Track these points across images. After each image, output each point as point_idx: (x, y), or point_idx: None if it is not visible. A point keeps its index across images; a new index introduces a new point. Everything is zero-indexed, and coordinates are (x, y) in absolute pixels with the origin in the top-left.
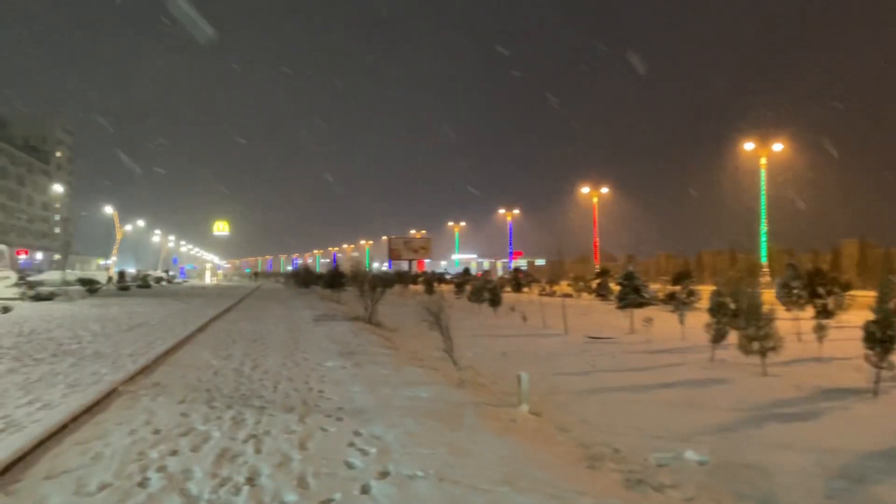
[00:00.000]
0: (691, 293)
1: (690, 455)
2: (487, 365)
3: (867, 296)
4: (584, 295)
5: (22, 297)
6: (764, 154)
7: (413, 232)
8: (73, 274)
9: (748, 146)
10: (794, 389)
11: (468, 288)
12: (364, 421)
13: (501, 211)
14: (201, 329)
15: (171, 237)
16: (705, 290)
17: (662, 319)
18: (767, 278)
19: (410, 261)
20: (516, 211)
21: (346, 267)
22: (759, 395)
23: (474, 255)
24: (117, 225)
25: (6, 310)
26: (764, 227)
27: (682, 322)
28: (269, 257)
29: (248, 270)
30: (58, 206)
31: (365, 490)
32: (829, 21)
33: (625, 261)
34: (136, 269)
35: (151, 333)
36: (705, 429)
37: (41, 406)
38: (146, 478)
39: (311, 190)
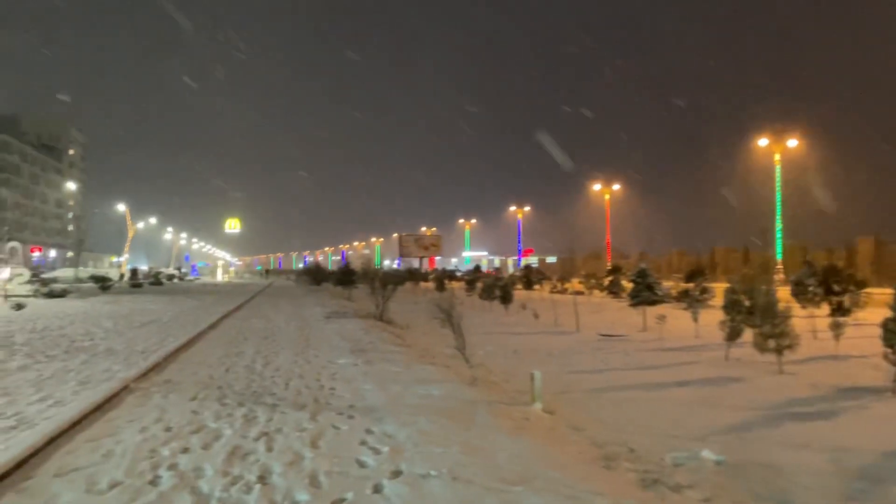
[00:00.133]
0: (704, 290)
1: (707, 455)
2: (499, 363)
3: (883, 293)
4: (596, 292)
5: (35, 294)
6: (778, 150)
7: (424, 229)
8: (85, 271)
9: (762, 142)
10: (810, 388)
11: (479, 285)
12: (376, 419)
13: (512, 208)
14: (213, 326)
15: (183, 234)
16: (718, 288)
17: (675, 317)
18: (782, 276)
19: (421, 258)
20: (527, 208)
21: (356, 264)
22: (775, 393)
23: (485, 253)
24: (129, 222)
25: (19, 306)
26: (779, 224)
27: (695, 320)
28: (280, 254)
29: (259, 268)
30: (71, 203)
31: (377, 489)
32: (843, 18)
33: (637, 258)
34: (149, 266)
35: (163, 330)
36: (721, 428)
37: (53, 403)
38: (157, 476)
39: (323, 187)
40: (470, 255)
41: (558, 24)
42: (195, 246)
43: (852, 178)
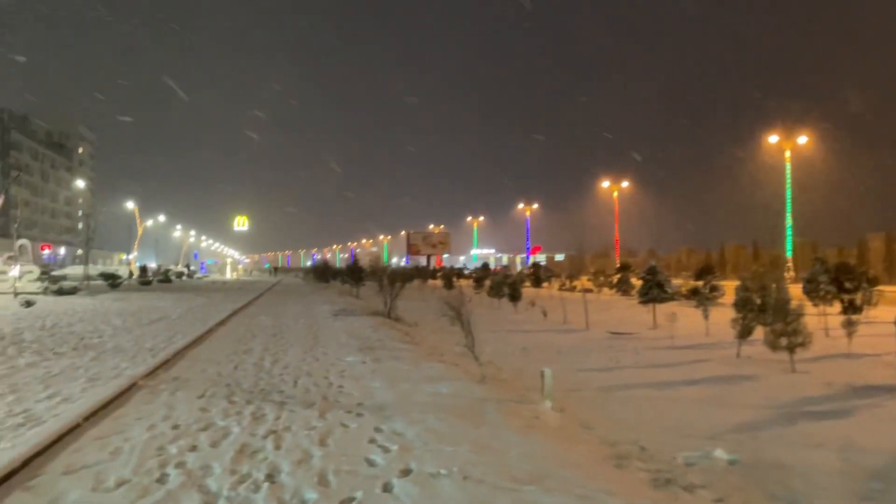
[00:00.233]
0: (714, 288)
1: (720, 454)
2: (508, 360)
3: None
4: (605, 290)
5: (45, 292)
6: (788, 147)
7: (432, 227)
8: (95, 268)
9: (772, 139)
10: (824, 386)
11: (487, 283)
12: (385, 417)
13: (520, 206)
14: (221, 323)
15: (192, 232)
16: (728, 286)
17: (685, 315)
18: (792, 273)
19: (429, 256)
20: (535, 206)
21: (365, 262)
22: (788, 392)
23: (492, 250)
24: (138, 220)
25: (29, 304)
26: (789, 221)
27: (706, 317)
28: (288, 252)
29: (267, 265)
30: (80, 201)
31: (387, 488)
32: (856, 15)
33: (645, 256)
34: (157, 263)
35: (172, 328)
36: (733, 427)
37: (61, 400)
38: (165, 474)
39: (331, 185)
40: (478, 253)
41: (566, 19)
42: (204, 243)
43: (864, 175)
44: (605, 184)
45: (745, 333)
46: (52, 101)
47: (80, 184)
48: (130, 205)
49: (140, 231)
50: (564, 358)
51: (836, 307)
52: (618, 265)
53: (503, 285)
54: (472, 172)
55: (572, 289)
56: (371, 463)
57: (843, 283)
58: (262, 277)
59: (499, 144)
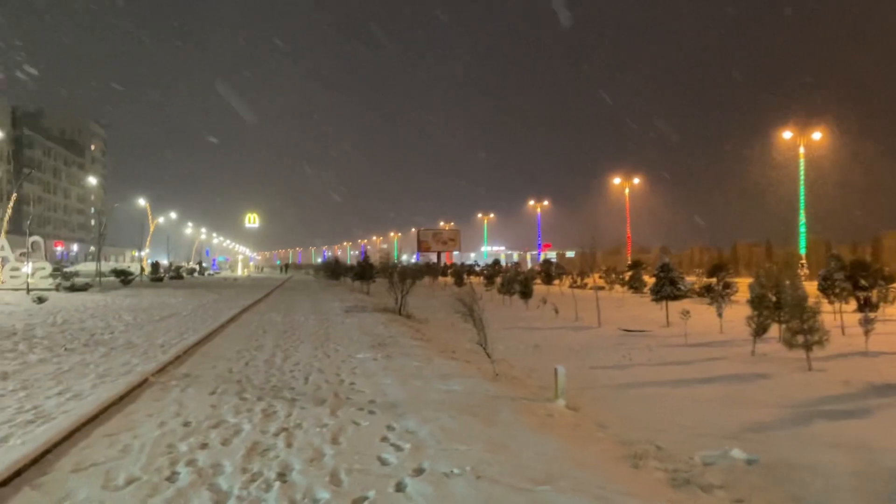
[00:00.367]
0: (728, 285)
1: (738, 454)
2: (520, 358)
3: None
4: (617, 287)
5: (57, 288)
6: (802, 143)
7: (442, 224)
8: (107, 265)
9: (786, 135)
10: (842, 385)
11: (498, 280)
12: (397, 415)
13: (531, 202)
14: (233, 319)
15: (203, 229)
16: (741, 283)
17: (698, 312)
18: (806, 271)
19: (439, 253)
20: (546, 202)
21: (375, 259)
22: (805, 390)
23: (503, 248)
24: (150, 217)
25: (41, 300)
26: (802, 218)
27: (720, 315)
28: (299, 249)
29: (278, 262)
30: (92, 198)
31: (400, 488)
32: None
33: (657, 253)
34: (169, 260)
35: (183, 324)
36: (751, 426)
37: (71, 396)
38: (175, 472)
39: (342, 182)
40: (488, 250)
41: (577, 15)
42: (215, 240)
43: (878, 172)
44: (617, 180)
45: (760, 331)
46: (65, 99)
47: (93, 181)
48: (142, 202)
49: (152, 228)
50: (577, 355)
51: (852, 304)
52: (629, 262)
53: (514, 282)
54: (482, 170)
55: (583, 286)
56: (383, 462)
57: (859, 281)
58: (273, 274)
59: (509, 142)
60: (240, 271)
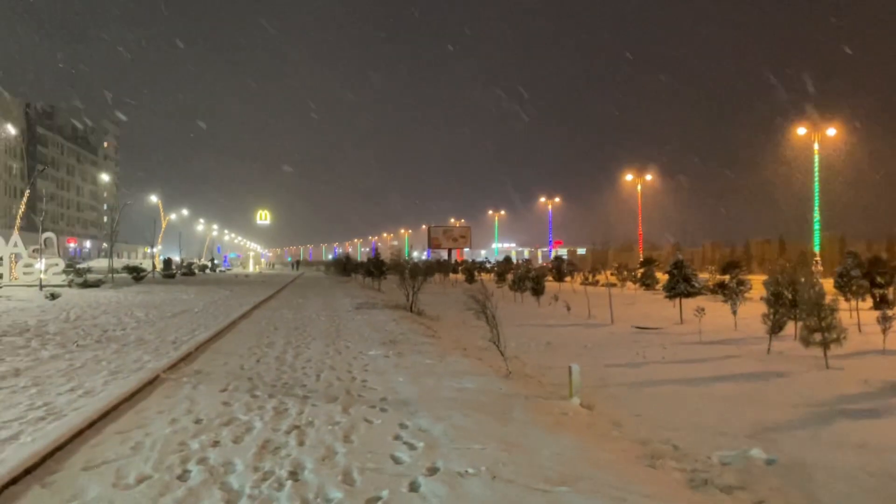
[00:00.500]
0: (741, 283)
1: (757, 454)
2: (532, 355)
3: None
4: (629, 284)
5: (70, 284)
6: (817, 139)
7: (453, 221)
8: (119, 261)
9: (801, 131)
10: (861, 384)
11: (509, 277)
12: (409, 413)
13: (542, 199)
14: (244, 316)
15: (215, 226)
16: (755, 280)
17: (712, 309)
18: (821, 268)
19: (450, 249)
20: (557, 199)
21: (386, 255)
22: (823, 389)
23: (513, 244)
24: (162, 214)
25: (54, 296)
26: (817, 215)
27: (734, 312)
28: (310, 246)
29: (289, 259)
30: (105, 195)
31: (413, 487)
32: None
33: (670, 250)
34: (181, 257)
35: (195, 320)
36: (769, 425)
37: (83, 393)
38: (186, 470)
39: (353, 179)
40: (498, 247)
41: (589, 13)
42: (227, 237)
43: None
44: (629, 177)
45: (776, 328)
46: (79, 96)
47: (105, 178)
48: (154, 198)
49: (164, 224)
50: (590, 353)
51: (868, 302)
52: (641, 259)
53: (526, 279)
54: (494, 166)
55: (595, 283)
56: (397, 461)
57: (875, 278)
58: (284, 271)
59: (521, 138)
60: (251, 268)
